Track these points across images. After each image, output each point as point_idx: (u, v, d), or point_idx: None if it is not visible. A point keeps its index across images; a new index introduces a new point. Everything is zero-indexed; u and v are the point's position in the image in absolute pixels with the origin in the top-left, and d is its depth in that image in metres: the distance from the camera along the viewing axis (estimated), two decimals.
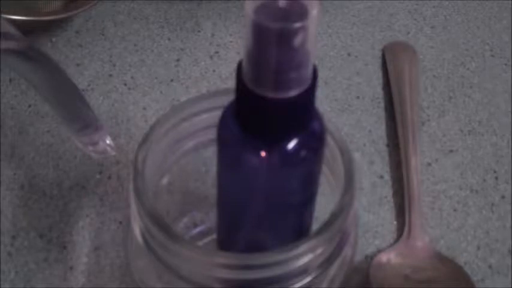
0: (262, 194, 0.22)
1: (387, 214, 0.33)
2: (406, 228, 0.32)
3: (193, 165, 0.27)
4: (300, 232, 0.24)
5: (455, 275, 0.30)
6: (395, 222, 0.33)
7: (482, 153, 0.36)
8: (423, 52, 0.42)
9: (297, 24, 0.17)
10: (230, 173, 0.22)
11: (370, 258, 0.31)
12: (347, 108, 0.38)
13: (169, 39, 0.42)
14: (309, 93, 0.19)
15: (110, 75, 0.39)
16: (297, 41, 0.18)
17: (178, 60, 0.40)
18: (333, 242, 0.22)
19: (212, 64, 0.40)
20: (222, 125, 0.21)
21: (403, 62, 0.40)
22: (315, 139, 0.21)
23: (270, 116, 0.20)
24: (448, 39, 0.43)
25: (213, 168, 0.23)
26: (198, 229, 0.29)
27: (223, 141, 0.21)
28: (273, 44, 0.18)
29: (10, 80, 0.38)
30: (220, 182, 0.23)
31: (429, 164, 0.35)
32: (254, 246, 0.24)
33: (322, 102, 0.38)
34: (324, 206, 0.24)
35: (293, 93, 0.19)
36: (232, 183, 0.23)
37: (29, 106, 0.37)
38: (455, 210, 0.33)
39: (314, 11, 0.18)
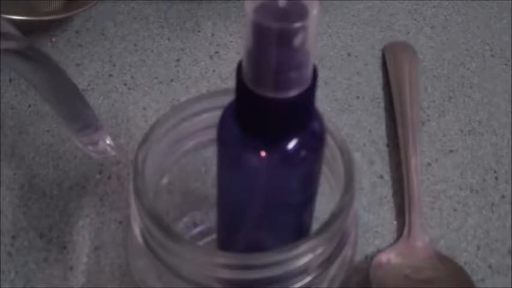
0: (262, 194, 0.22)
1: (387, 214, 0.33)
2: (406, 228, 0.32)
3: (193, 165, 0.27)
4: (300, 232, 0.24)
5: (455, 275, 0.30)
6: (395, 222, 0.33)
7: (482, 153, 0.36)
8: (423, 52, 0.42)
9: (297, 24, 0.17)
10: (230, 173, 0.22)
11: (370, 258, 0.31)
12: (347, 108, 0.38)
13: (169, 39, 0.42)
14: (309, 93, 0.19)
15: (110, 75, 0.39)
16: (297, 41, 0.18)
17: (178, 60, 0.40)
18: (333, 242, 0.22)
19: (212, 64, 0.40)
20: (222, 125, 0.21)
21: (403, 62, 0.40)
22: (315, 139, 0.21)
23: (270, 116, 0.20)
24: (448, 39, 0.43)
25: (213, 168, 0.23)
26: (198, 229, 0.29)
27: (223, 141, 0.21)
28: (273, 44, 0.18)
29: (10, 80, 0.38)
30: (220, 182, 0.23)
31: (429, 164, 0.35)
32: (254, 246, 0.24)
33: (322, 102, 0.38)
34: (324, 206, 0.24)
35: (293, 93, 0.19)
36: (232, 183, 0.23)
37: (29, 106, 0.37)
38: (455, 210, 0.33)
39: (314, 11, 0.18)
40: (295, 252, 0.21)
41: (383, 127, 0.37)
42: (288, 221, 0.23)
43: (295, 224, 0.24)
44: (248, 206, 0.23)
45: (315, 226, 0.24)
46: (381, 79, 0.40)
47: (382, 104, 0.39)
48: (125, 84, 0.39)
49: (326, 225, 0.21)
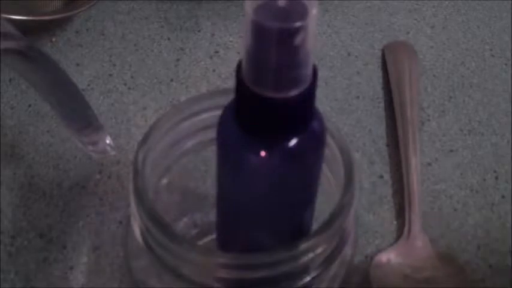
0: (262, 194, 0.22)
1: (387, 214, 0.33)
2: (406, 228, 0.32)
3: (193, 165, 0.27)
4: (300, 232, 0.24)
5: (455, 275, 0.30)
6: (395, 222, 0.33)
7: (482, 153, 0.36)
8: (423, 52, 0.42)
9: (297, 24, 0.17)
10: (230, 173, 0.22)
11: (370, 258, 0.31)
12: (347, 108, 0.38)
13: (169, 39, 0.42)
14: (309, 93, 0.19)
15: (110, 75, 0.39)
16: (297, 40, 0.18)
17: (178, 60, 0.40)
18: (333, 241, 0.22)
19: (212, 64, 0.40)
20: (222, 125, 0.21)
21: (403, 62, 0.40)
22: (315, 139, 0.21)
23: (270, 116, 0.20)
24: (448, 39, 0.43)
25: (213, 168, 0.23)
26: (198, 229, 0.29)
27: (223, 141, 0.21)
28: (273, 44, 0.18)
29: (10, 80, 0.38)
30: (220, 182, 0.23)
31: (429, 164, 0.35)
32: (254, 246, 0.24)
33: (322, 102, 0.38)
34: (324, 206, 0.24)
35: (293, 93, 0.19)
36: (232, 183, 0.23)
37: (29, 106, 0.37)
38: (455, 210, 0.33)
39: (314, 11, 0.18)
40: (295, 252, 0.21)
41: (383, 127, 0.37)
42: (288, 221, 0.23)
43: (295, 224, 0.24)
44: (248, 206, 0.23)
45: (315, 226, 0.24)
46: (381, 79, 0.40)
47: (382, 104, 0.39)
48: (125, 84, 0.39)
49: (326, 225, 0.21)
